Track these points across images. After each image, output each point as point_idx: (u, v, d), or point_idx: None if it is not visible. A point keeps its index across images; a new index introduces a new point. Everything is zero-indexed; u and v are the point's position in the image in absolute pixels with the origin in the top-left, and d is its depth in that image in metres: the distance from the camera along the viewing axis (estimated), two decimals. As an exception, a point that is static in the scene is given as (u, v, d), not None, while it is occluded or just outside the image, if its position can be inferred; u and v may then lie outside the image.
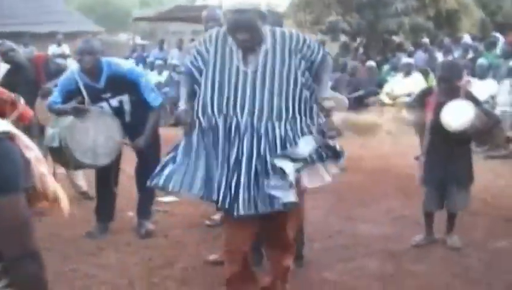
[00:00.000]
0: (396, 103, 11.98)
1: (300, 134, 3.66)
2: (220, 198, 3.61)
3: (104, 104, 5.55)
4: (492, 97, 11.04)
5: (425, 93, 5.75)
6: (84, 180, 7.11)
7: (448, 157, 5.46)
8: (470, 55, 13.91)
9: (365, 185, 7.70)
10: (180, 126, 3.91)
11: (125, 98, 5.56)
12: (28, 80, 6.44)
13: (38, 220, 3.23)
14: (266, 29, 3.71)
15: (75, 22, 23.50)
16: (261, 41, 3.67)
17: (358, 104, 13.40)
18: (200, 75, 3.75)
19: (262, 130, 3.59)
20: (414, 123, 5.80)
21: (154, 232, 5.86)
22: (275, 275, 4.09)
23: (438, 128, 5.36)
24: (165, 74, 16.00)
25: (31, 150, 2.89)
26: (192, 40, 18.05)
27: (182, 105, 3.79)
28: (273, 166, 3.55)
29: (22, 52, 7.58)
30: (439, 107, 5.35)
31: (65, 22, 23.06)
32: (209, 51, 3.74)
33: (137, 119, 5.57)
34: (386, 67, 15.34)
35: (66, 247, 5.45)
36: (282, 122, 3.62)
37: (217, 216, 5.94)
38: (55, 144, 5.36)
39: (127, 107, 5.59)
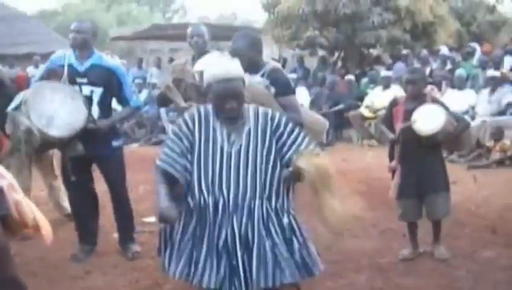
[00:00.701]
0: (377, 115, 12.03)
1: (278, 213, 3.65)
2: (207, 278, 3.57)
3: (76, 89, 5.46)
4: (472, 107, 11.18)
5: (393, 104, 5.79)
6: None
7: (420, 165, 5.48)
8: (448, 66, 14.03)
9: (350, 199, 7.59)
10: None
11: (99, 90, 5.51)
12: (11, 98, 6.42)
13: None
14: (250, 108, 3.71)
15: (52, 42, 23.32)
16: (243, 116, 3.66)
17: (338, 118, 13.47)
18: (187, 150, 3.67)
19: (245, 209, 3.58)
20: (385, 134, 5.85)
21: (140, 254, 5.78)
22: None
23: (408, 135, 5.41)
24: (145, 92, 15.93)
25: (4, 178, 2.86)
26: (171, 58, 18.14)
27: (164, 202, 3.59)
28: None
29: (7, 72, 7.56)
30: (407, 114, 5.43)
31: (42, 42, 22.92)
32: (194, 133, 3.68)
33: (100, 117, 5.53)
34: (364, 80, 15.34)
35: (52, 271, 5.37)
36: (263, 201, 3.61)
37: None
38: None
39: (95, 99, 5.50)
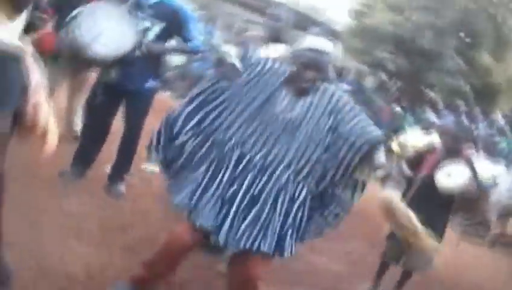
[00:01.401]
0: (403, 154, 11.88)
1: (297, 187, 3.71)
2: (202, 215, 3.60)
3: (135, 16, 5.39)
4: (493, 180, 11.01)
5: (430, 150, 5.81)
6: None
7: (424, 215, 5.32)
8: (494, 132, 13.76)
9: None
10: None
11: (160, 25, 5.46)
12: None
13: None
14: (327, 87, 3.81)
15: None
16: (314, 91, 3.74)
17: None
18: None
19: (266, 173, 3.65)
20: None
21: (123, 195, 5.79)
22: None
23: (428, 183, 5.42)
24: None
25: (35, 74, 2.90)
26: (244, 28, 18.02)
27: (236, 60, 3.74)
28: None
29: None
30: (437, 164, 5.45)
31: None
32: (260, 78, 3.80)
33: (143, 64, 5.44)
34: (408, 116, 15.22)
35: (33, 180, 5.28)
36: (289, 172, 3.67)
37: None
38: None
39: (153, 33, 5.46)
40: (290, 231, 3.67)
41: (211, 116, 3.85)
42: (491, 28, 17.48)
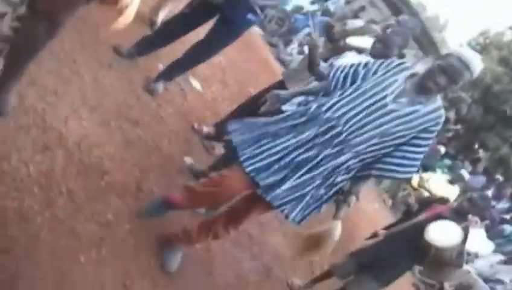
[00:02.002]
0: (417, 192, 11.97)
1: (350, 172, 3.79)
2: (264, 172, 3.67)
3: None
4: (476, 255, 11.13)
5: (443, 201, 5.85)
6: (164, 17, 6.98)
7: (394, 253, 5.49)
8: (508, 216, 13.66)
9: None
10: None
11: None
12: None
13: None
14: (439, 102, 3.78)
15: None
16: (431, 99, 3.72)
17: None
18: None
19: (338, 150, 3.66)
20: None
21: (157, 94, 5.83)
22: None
23: (417, 227, 5.47)
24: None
25: None
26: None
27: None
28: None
29: None
30: (437, 217, 5.52)
31: None
32: (377, 72, 3.80)
33: None
34: (446, 161, 15.18)
35: (87, 42, 5.38)
36: (355, 156, 3.71)
37: (207, 129, 6.20)
38: None
39: None
40: (313, 203, 3.79)
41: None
42: None
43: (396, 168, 3.77)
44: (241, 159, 3.70)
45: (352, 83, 3.81)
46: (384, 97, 3.67)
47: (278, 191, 3.66)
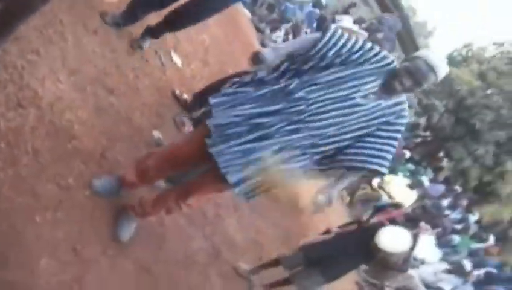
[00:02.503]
0: (373, 192, 12.04)
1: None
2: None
3: None
4: (422, 261, 11.29)
5: (397, 206, 6.07)
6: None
7: (341, 253, 5.56)
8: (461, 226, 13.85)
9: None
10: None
11: None
12: None
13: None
14: (404, 100, 3.85)
15: None
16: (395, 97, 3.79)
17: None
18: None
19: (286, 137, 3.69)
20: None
21: (143, 50, 5.89)
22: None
23: (367, 231, 5.59)
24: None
25: None
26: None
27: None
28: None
29: None
30: (391, 221, 5.61)
31: None
32: (366, 63, 3.77)
33: None
34: (409, 166, 15.28)
35: (77, 7, 5.31)
36: (312, 147, 3.75)
37: (186, 97, 6.27)
38: None
39: None
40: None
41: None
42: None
43: (368, 159, 3.80)
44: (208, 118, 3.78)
45: (341, 64, 3.78)
46: (358, 92, 3.72)
47: (222, 146, 3.71)
